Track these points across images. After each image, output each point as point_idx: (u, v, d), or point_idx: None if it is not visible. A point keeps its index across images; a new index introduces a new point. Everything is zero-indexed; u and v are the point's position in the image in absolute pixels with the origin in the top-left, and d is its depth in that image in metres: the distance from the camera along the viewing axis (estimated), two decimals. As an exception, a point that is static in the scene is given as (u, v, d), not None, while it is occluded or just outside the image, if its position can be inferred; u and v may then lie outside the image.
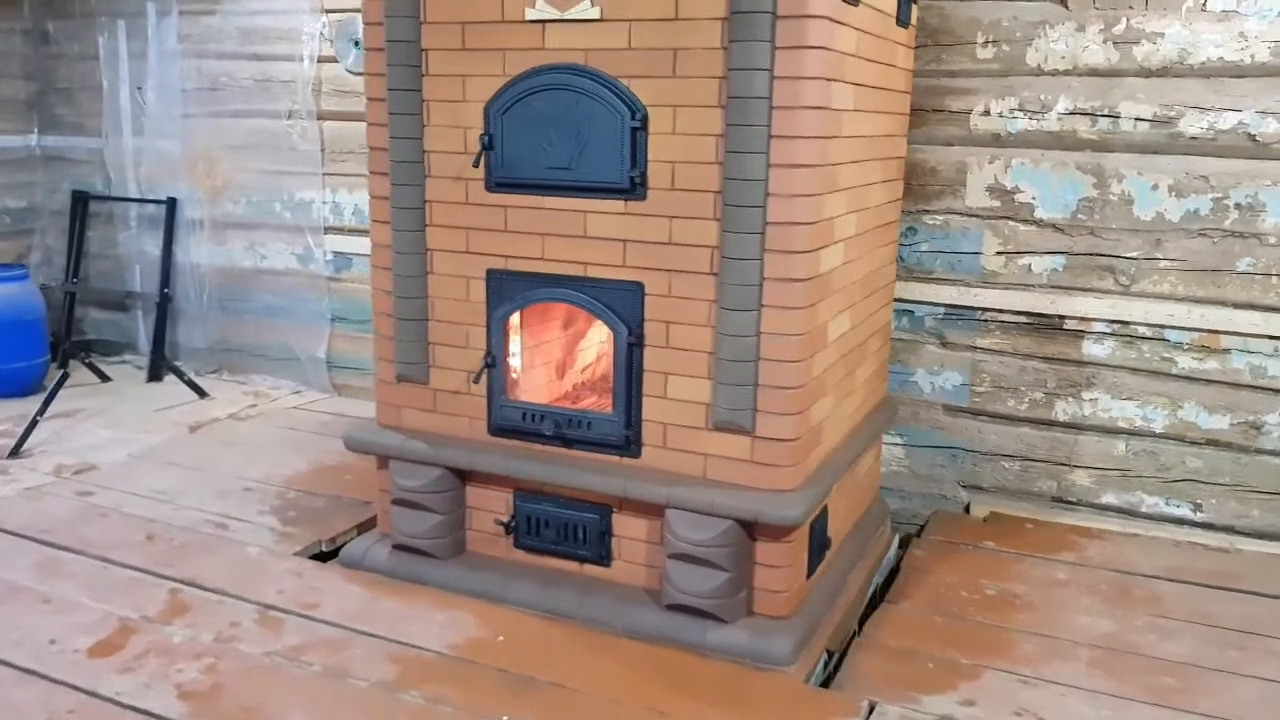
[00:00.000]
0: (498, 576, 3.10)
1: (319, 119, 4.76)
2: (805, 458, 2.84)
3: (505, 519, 3.14)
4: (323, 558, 3.38)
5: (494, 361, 3.05)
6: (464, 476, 3.19)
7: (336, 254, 4.89)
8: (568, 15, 2.77)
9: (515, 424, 3.08)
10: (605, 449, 2.98)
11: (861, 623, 3.23)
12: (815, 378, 2.83)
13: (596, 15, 2.74)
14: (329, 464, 4.04)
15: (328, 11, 4.64)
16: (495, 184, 2.96)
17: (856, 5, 2.76)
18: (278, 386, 5.05)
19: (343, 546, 3.38)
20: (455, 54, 2.94)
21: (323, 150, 4.80)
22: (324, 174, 4.81)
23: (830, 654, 2.95)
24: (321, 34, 4.66)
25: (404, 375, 3.21)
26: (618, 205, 2.83)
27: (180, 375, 4.95)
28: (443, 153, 3.02)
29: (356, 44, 4.54)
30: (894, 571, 3.69)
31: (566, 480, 2.98)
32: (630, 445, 2.95)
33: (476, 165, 2.93)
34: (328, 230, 4.87)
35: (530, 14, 2.81)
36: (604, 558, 3.06)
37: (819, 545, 3.02)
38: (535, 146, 2.87)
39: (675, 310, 2.83)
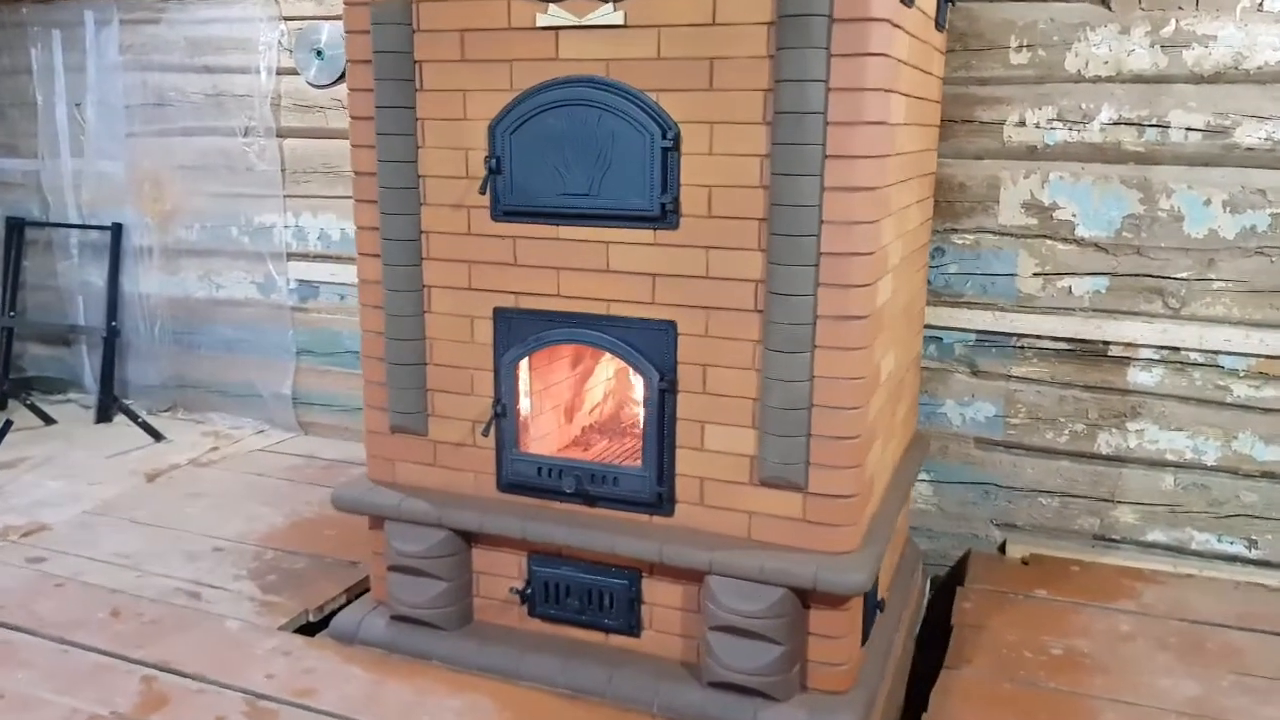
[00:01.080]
0: (512, 650, 2.75)
1: (279, 136, 4.36)
2: (862, 514, 2.54)
3: (520, 586, 2.80)
4: (310, 629, 3.00)
5: (505, 410, 2.71)
6: (469, 538, 2.84)
7: (301, 282, 4.49)
8: (586, 21, 2.44)
9: (529, 480, 2.74)
10: (634, 507, 2.65)
11: (910, 686, 2.95)
12: (869, 424, 2.53)
13: (620, 21, 2.41)
14: (306, 516, 3.65)
15: (286, 19, 4.25)
16: (502, 212, 2.62)
17: (911, 6, 2.47)
18: (239, 426, 4.64)
19: (333, 616, 3.00)
20: (454, 66, 2.60)
21: (283, 170, 4.40)
22: (285, 196, 4.42)
23: (887, 727, 2.67)
24: (280, 43, 4.27)
25: (399, 426, 2.85)
26: (645, 235, 2.51)
27: (133, 416, 4.52)
28: (441, 177, 2.67)
29: (319, 54, 4.17)
30: (929, 621, 3.42)
31: (589, 543, 2.64)
32: (663, 503, 2.62)
33: (484, 192, 2.59)
34: (290, 256, 4.47)
35: (542, 20, 2.48)
36: (633, 627, 2.73)
37: (872, 608, 2.72)
38: (549, 170, 2.54)
39: (713, 352, 2.51)
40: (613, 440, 3.08)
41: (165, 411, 4.81)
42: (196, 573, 3.22)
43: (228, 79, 4.40)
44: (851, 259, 2.35)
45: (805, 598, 2.51)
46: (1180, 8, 3.13)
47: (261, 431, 4.58)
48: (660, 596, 2.69)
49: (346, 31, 2.70)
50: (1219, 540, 3.39)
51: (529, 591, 2.78)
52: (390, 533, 2.83)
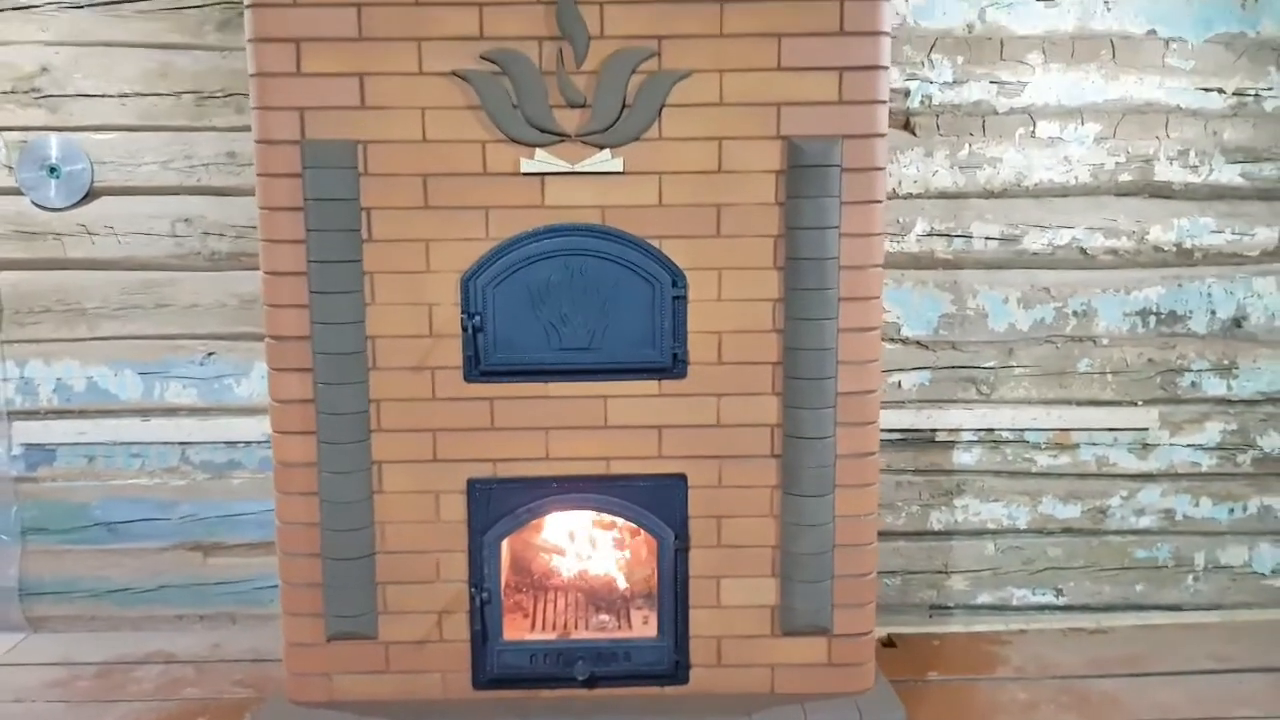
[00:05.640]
0: None
1: (-11, 269, 3.48)
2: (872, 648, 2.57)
3: (517, 793, 2.46)
4: None
5: (490, 595, 2.38)
6: (441, 748, 2.45)
7: (29, 446, 3.59)
8: (582, 168, 2.26)
9: (519, 670, 2.44)
10: (645, 681, 2.46)
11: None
12: (865, 552, 2.58)
13: (619, 168, 2.27)
14: (131, 750, 2.91)
15: (1, 129, 3.42)
16: (481, 372, 2.33)
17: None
18: (-64, 639, 3.57)
19: None
20: (413, 214, 2.29)
21: (0, 310, 3.51)
22: (4, 342, 3.52)
23: None
24: (-15, 156, 3.42)
25: (341, 632, 2.40)
26: (649, 387, 2.37)
27: None
28: (396, 337, 2.33)
29: (54, 171, 3.40)
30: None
31: (605, 730, 2.41)
32: (679, 671, 2.46)
33: (470, 353, 2.28)
34: (14, 415, 3.56)
35: (527, 166, 2.26)
36: (646, 808, 2.52)
37: (864, 730, 2.75)
38: (541, 324, 2.31)
39: (728, 502, 2.42)
40: (538, 598, 2.82)
41: None
42: None
43: (-95, 202, 3.43)
44: (866, 397, 2.40)
45: (837, 741, 2.49)
46: (971, 134, 3.57)
47: (-26, 641, 3.57)
48: (675, 768, 2.51)
49: (260, 175, 2.27)
50: (1033, 593, 3.85)
51: (529, 796, 2.46)
52: (349, 763, 2.37)
